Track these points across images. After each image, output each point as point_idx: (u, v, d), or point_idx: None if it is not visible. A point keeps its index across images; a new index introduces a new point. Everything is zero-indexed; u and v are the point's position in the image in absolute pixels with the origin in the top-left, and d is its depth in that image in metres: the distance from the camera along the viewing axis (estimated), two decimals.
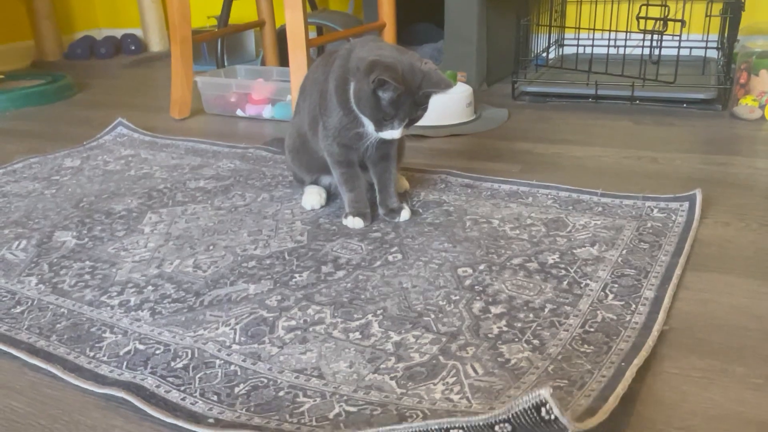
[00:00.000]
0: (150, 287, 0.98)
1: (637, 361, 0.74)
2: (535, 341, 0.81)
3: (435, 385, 0.72)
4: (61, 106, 2.30)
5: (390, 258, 1.04)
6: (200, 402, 0.72)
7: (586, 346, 0.79)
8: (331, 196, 1.30)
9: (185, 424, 0.68)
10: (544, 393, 0.56)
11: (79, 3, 3.45)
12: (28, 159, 1.63)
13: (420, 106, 1.07)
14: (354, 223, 1.16)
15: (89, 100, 2.39)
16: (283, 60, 2.48)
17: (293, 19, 1.73)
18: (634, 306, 0.88)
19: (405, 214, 1.18)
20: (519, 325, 0.85)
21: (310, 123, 1.20)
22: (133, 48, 3.23)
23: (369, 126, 1.09)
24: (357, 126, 1.10)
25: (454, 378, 0.73)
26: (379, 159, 1.18)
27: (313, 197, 1.26)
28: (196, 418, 0.69)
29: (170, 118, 2.03)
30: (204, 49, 2.87)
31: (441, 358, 0.78)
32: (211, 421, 0.69)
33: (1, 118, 2.15)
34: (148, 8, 3.23)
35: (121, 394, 0.73)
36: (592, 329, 0.83)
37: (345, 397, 0.71)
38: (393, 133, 1.07)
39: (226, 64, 2.54)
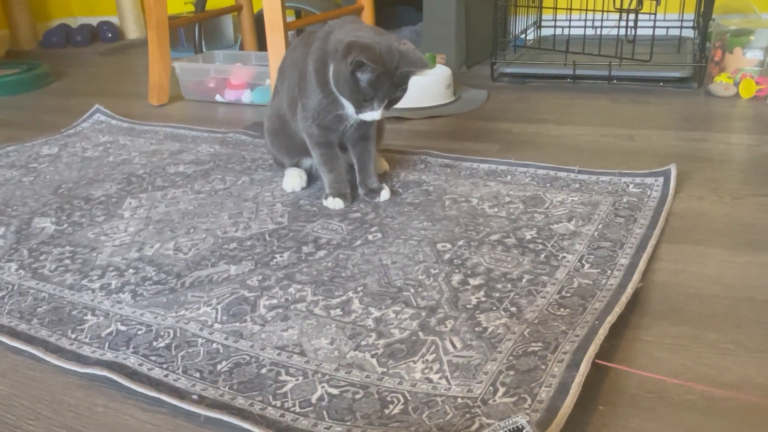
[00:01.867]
0: (131, 270, 0.98)
1: (610, 318, 0.76)
2: (513, 308, 0.83)
3: (415, 363, 0.73)
4: (38, 95, 2.28)
5: (370, 237, 1.05)
6: (183, 379, 0.73)
7: (562, 309, 0.82)
8: (312, 178, 1.30)
9: (168, 399, 0.69)
10: (521, 420, 0.58)
11: None
12: (5, 147, 1.61)
13: (399, 86, 1.06)
14: (334, 203, 1.16)
15: (66, 89, 2.36)
16: (262, 44, 2.47)
17: (271, 3, 1.72)
18: (609, 272, 0.90)
19: (385, 194, 1.19)
20: (497, 295, 0.86)
21: (290, 104, 1.19)
22: (109, 35, 3.20)
23: (349, 108, 1.09)
24: (337, 108, 1.10)
25: (434, 355, 0.74)
26: (359, 139, 1.18)
27: (293, 180, 1.26)
28: (180, 394, 0.70)
29: (149, 105, 2.01)
30: (182, 35, 2.84)
31: (420, 333, 0.79)
32: (195, 397, 0.69)
33: None
34: None
35: (104, 372, 0.74)
36: (568, 294, 0.85)
37: (327, 377, 0.72)
38: (373, 115, 1.07)
39: (204, 49, 2.52)
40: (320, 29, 1.14)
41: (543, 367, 0.70)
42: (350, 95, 1.05)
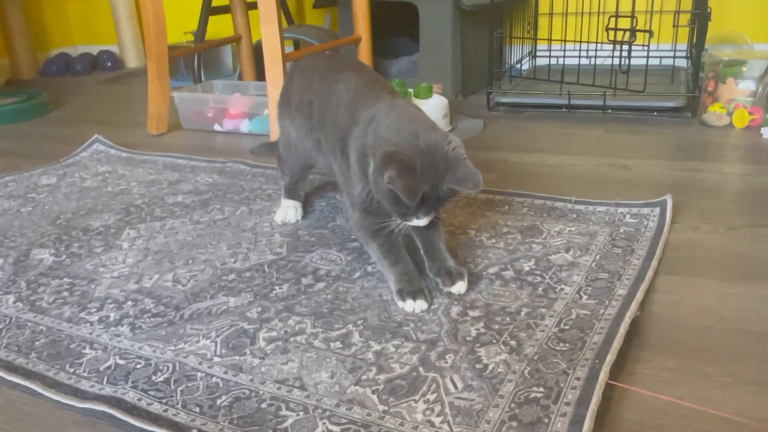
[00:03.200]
0: (129, 302, 0.98)
1: (610, 357, 0.76)
2: (512, 342, 0.83)
3: (416, 402, 0.73)
4: (37, 124, 2.29)
5: (369, 269, 1.05)
6: (182, 413, 0.73)
7: (561, 344, 0.82)
8: (308, 209, 1.31)
9: None
10: None
11: (54, 20, 3.44)
12: (4, 177, 1.62)
13: (445, 199, 0.91)
14: (416, 306, 0.92)
15: (65, 117, 2.38)
16: (260, 74, 2.50)
17: (269, 33, 1.74)
18: (607, 302, 0.91)
19: (458, 287, 0.96)
20: (496, 327, 0.86)
21: (342, 182, 1.07)
22: (109, 65, 3.23)
23: None
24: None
25: (435, 394, 0.74)
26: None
27: (288, 212, 1.26)
28: (179, 428, 0.70)
29: (147, 134, 2.03)
30: (181, 65, 2.87)
31: (421, 369, 0.79)
32: (194, 431, 0.69)
33: None
34: (125, 25, 3.22)
35: (103, 407, 0.73)
36: (566, 327, 0.86)
37: (328, 413, 0.72)
38: (419, 222, 0.92)
39: (203, 78, 2.55)
40: (365, 97, 1.01)
41: (546, 420, 0.69)
42: (390, 207, 0.92)
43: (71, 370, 0.82)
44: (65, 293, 1.02)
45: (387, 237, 0.98)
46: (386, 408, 0.72)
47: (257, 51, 2.43)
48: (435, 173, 0.88)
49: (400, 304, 0.93)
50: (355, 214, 1.00)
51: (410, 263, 0.98)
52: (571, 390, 0.73)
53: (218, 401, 0.75)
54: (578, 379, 0.74)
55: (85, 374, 0.81)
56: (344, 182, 1.04)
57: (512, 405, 0.71)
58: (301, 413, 0.72)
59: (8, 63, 3.15)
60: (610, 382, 0.73)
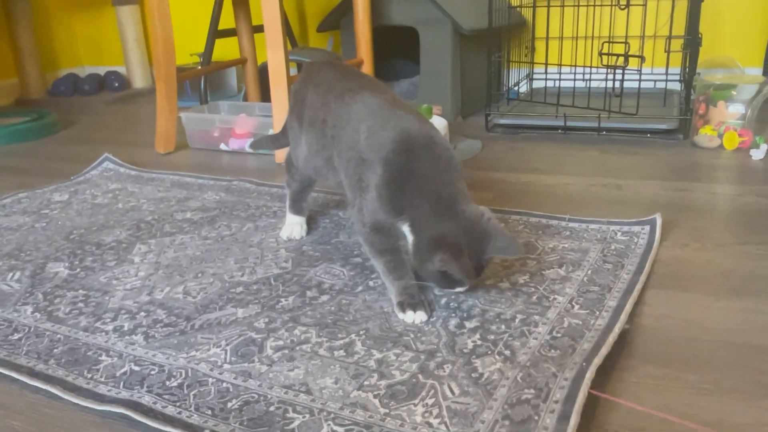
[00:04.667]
0: (142, 313, 1.03)
1: (597, 360, 0.81)
2: (507, 351, 0.87)
3: (415, 406, 0.77)
4: (47, 143, 2.35)
5: (371, 284, 1.10)
6: (195, 416, 0.77)
7: (553, 350, 0.87)
8: (312, 226, 1.36)
9: None
10: None
11: (63, 41, 3.52)
12: (17, 194, 1.67)
13: (481, 270, 0.97)
14: (416, 317, 0.97)
15: (74, 137, 2.44)
16: (265, 95, 2.56)
17: (275, 57, 1.81)
18: (598, 312, 0.96)
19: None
20: (492, 337, 0.91)
21: (351, 194, 1.08)
22: (116, 85, 3.30)
23: None
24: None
25: (433, 399, 0.78)
26: None
27: (293, 229, 1.31)
28: (193, 429, 0.74)
29: (155, 153, 2.09)
30: (187, 86, 2.94)
31: (420, 376, 0.83)
32: (207, 431, 0.74)
33: None
34: (132, 46, 3.30)
35: (120, 409, 0.78)
36: (558, 334, 0.91)
37: (332, 415, 0.76)
38: (459, 290, 1.00)
39: (209, 100, 2.61)
40: (388, 118, 1.02)
41: (536, 417, 0.73)
42: (434, 282, 0.97)
43: (89, 375, 0.87)
44: (81, 304, 1.07)
45: (393, 254, 1.03)
46: (387, 411, 0.77)
47: (262, 72, 2.50)
48: (478, 247, 0.94)
49: (401, 315, 0.98)
50: (365, 230, 1.02)
51: (413, 278, 1.02)
52: (559, 389, 0.77)
53: (229, 404, 0.79)
54: (566, 379, 0.79)
55: (102, 379, 0.86)
56: (353, 194, 1.06)
57: (505, 406, 0.76)
58: (307, 415, 0.77)
59: (18, 83, 3.22)
60: (591, 391, 0.76)
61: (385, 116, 1.03)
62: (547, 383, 0.79)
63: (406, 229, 0.97)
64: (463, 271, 0.91)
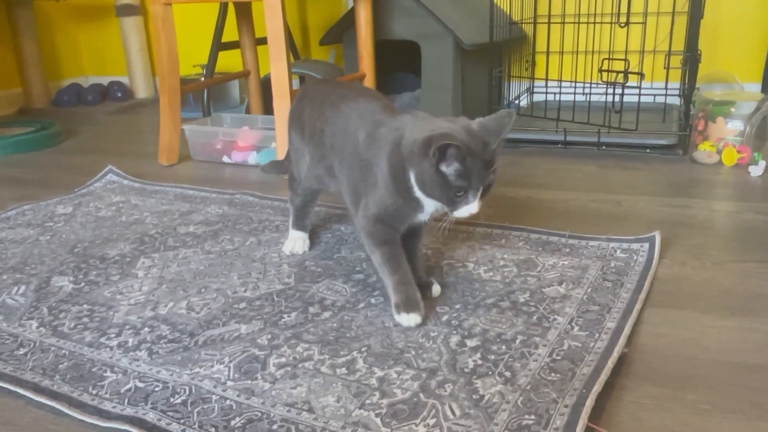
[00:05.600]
0: (146, 329, 1.04)
1: (597, 387, 0.82)
2: (507, 373, 0.88)
3: (417, 426, 0.78)
4: (50, 153, 2.37)
5: (372, 300, 1.11)
6: None
7: (553, 374, 0.87)
8: (314, 241, 1.37)
9: None
10: None
11: (67, 51, 3.55)
12: (22, 206, 1.68)
13: (490, 167, 0.96)
14: (410, 320, 1.01)
15: (78, 147, 2.45)
16: (268, 107, 2.58)
17: (278, 70, 1.83)
18: (597, 335, 0.97)
19: (436, 289, 1.11)
20: (492, 357, 0.92)
21: (353, 198, 1.10)
22: (119, 95, 3.32)
23: (429, 208, 1.03)
24: (416, 210, 1.03)
25: (434, 419, 0.79)
26: (410, 234, 1.11)
27: (295, 243, 1.32)
28: None
29: (158, 165, 2.10)
30: (190, 97, 2.96)
31: (422, 395, 0.84)
32: None
33: None
34: (135, 57, 3.33)
35: (125, 426, 0.79)
36: (558, 357, 0.91)
37: None
38: (470, 209, 0.97)
39: (211, 111, 2.63)
40: (386, 121, 1.06)
41: None
42: (441, 193, 0.96)
43: (94, 392, 0.88)
44: (85, 319, 1.08)
45: (391, 246, 1.05)
46: (389, 430, 0.78)
47: (265, 85, 2.52)
48: (473, 140, 0.94)
49: (397, 318, 1.02)
50: (368, 222, 1.05)
51: (408, 272, 1.05)
52: (559, 416, 0.78)
53: (232, 422, 0.80)
54: (566, 406, 0.80)
55: (107, 396, 0.87)
56: (355, 196, 1.09)
57: (505, 431, 0.77)
58: None
59: (21, 92, 3.24)
60: (590, 425, 0.77)
61: (382, 119, 1.06)
62: (547, 409, 0.80)
63: (412, 177, 0.99)
64: (463, 144, 0.91)
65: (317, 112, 1.18)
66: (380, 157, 1.02)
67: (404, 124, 1.03)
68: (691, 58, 2.00)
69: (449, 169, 0.94)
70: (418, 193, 1.00)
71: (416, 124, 1.01)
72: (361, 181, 1.06)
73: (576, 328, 0.99)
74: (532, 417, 0.79)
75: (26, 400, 0.88)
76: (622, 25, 1.91)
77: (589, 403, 0.79)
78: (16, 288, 1.21)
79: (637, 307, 1.04)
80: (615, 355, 0.90)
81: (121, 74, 3.48)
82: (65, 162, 2.23)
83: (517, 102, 2.45)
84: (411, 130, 1.00)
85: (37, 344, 1.01)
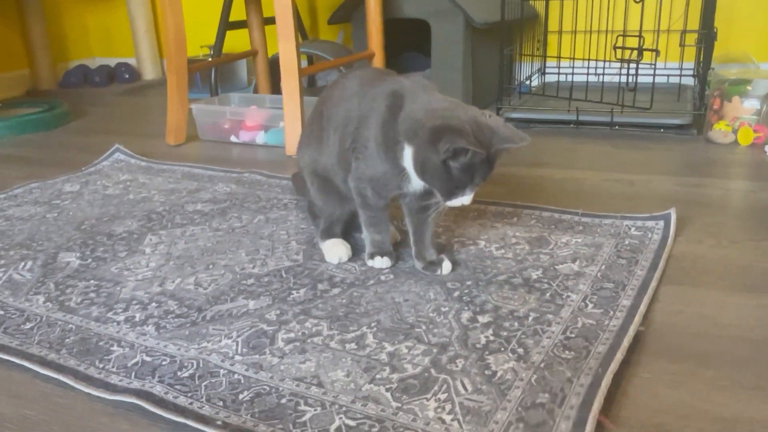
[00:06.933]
0: (154, 304, 1.03)
1: (613, 367, 0.79)
2: (520, 350, 0.86)
3: (428, 401, 0.77)
4: (58, 133, 2.36)
5: (382, 278, 1.09)
6: (207, 407, 0.77)
7: (567, 351, 0.85)
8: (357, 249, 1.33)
9: (194, 424, 0.73)
10: None
11: (74, 33, 3.53)
12: (29, 184, 1.67)
13: (493, 165, 0.96)
14: (381, 263, 1.10)
15: (85, 127, 2.44)
16: (275, 87, 2.56)
17: (286, 49, 1.80)
18: (612, 312, 0.94)
19: (446, 266, 1.08)
20: (505, 334, 0.90)
21: (339, 160, 1.09)
22: (126, 76, 3.30)
23: (415, 182, 1.01)
24: (402, 181, 1.02)
25: (446, 394, 0.78)
26: (419, 209, 1.09)
27: (339, 249, 1.16)
28: (205, 420, 0.74)
29: (166, 144, 2.09)
30: (197, 77, 2.94)
31: (432, 370, 0.82)
32: (219, 423, 0.73)
33: (0, 145, 2.20)
34: (142, 38, 3.31)
35: (132, 399, 0.78)
36: (572, 335, 0.89)
37: (344, 408, 0.76)
38: (463, 200, 0.97)
39: (219, 92, 2.61)
40: (381, 84, 1.04)
41: (551, 422, 0.72)
42: (441, 185, 0.95)
43: (101, 365, 0.87)
44: (92, 294, 1.07)
45: (380, 210, 1.10)
46: (399, 405, 0.76)
47: (272, 64, 2.50)
48: (484, 140, 0.93)
49: (369, 262, 1.12)
50: (361, 184, 1.06)
51: (388, 235, 1.13)
52: (575, 395, 0.76)
53: (240, 396, 0.79)
54: (582, 385, 0.77)
55: (114, 369, 0.86)
56: (345, 161, 1.08)
57: (519, 409, 0.75)
58: (319, 408, 0.76)
59: (29, 74, 3.23)
60: (601, 418, 0.73)
61: (376, 81, 1.06)
62: (562, 388, 0.78)
63: (405, 152, 0.98)
64: (471, 145, 0.89)
65: (316, 112, 1.16)
66: (373, 119, 1.01)
67: (404, 91, 1.00)
68: (707, 36, 1.96)
69: (455, 163, 0.93)
70: (406, 163, 0.99)
71: (417, 95, 0.99)
72: (355, 143, 1.04)
73: (590, 306, 0.97)
74: (546, 395, 0.77)
75: (33, 374, 0.87)
76: (637, 0, 1.87)
77: (605, 383, 0.77)
78: (23, 263, 1.20)
79: (653, 284, 1.02)
80: (630, 333, 0.88)
81: (128, 56, 3.46)
82: (73, 142, 2.22)
83: (528, 82, 2.42)
84: (411, 101, 0.98)
85: (44, 319, 1.00)
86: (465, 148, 0.90)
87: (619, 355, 0.82)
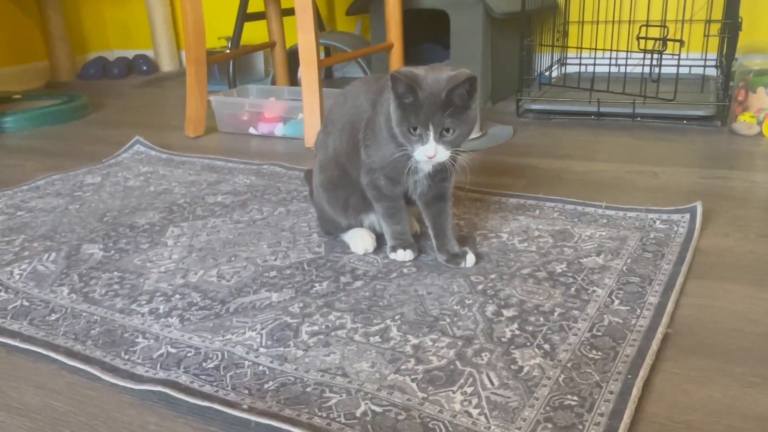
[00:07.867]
0: (177, 296, 1.03)
1: (643, 373, 0.78)
2: (546, 346, 0.85)
3: (454, 393, 0.76)
4: (77, 125, 2.37)
5: (405, 270, 1.09)
6: (232, 394, 0.77)
7: (594, 351, 0.84)
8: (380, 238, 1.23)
9: (220, 407, 0.74)
10: None
11: (92, 25, 3.54)
12: (50, 176, 1.69)
13: (446, 109, 0.95)
14: (404, 256, 1.11)
15: (104, 119, 2.45)
16: (293, 79, 2.56)
17: (306, 40, 1.80)
18: (639, 311, 0.93)
19: (470, 259, 1.08)
20: (530, 328, 0.89)
21: (349, 154, 1.12)
22: (144, 68, 3.31)
23: (421, 160, 1.01)
24: (408, 159, 1.03)
25: (472, 387, 0.77)
26: (434, 199, 1.10)
27: (364, 240, 1.16)
28: (231, 404, 0.75)
29: (185, 136, 2.09)
30: (215, 69, 2.94)
31: (458, 363, 0.82)
32: (245, 407, 0.74)
33: (20, 137, 2.22)
34: (160, 30, 3.31)
35: (158, 387, 0.78)
36: (599, 333, 0.88)
37: (369, 395, 0.76)
38: (426, 150, 0.97)
39: (236, 84, 2.61)
40: (383, 79, 1.09)
41: (580, 427, 0.71)
42: (400, 129, 0.99)
43: (126, 356, 0.87)
44: (116, 286, 1.08)
45: (395, 200, 1.11)
46: (425, 395, 0.76)
47: (290, 56, 2.49)
48: (435, 82, 0.96)
49: (392, 255, 1.12)
50: (372, 176, 1.09)
51: (407, 225, 1.14)
52: (604, 402, 0.74)
53: (266, 386, 0.79)
54: (611, 393, 0.76)
55: (140, 361, 0.86)
56: (355, 152, 1.11)
57: (547, 408, 0.74)
58: (344, 395, 0.76)
59: (48, 66, 3.25)
60: None
61: (379, 79, 1.12)
62: (591, 393, 0.76)
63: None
64: (406, 75, 0.95)
65: (324, 132, 1.20)
66: (380, 105, 1.06)
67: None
68: (731, 25, 1.92)
69: (406, 101, 0.96)
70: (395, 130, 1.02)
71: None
72: (364, 137, 1.08)
73: (616, 302, 0.95)
74: (575, 398, 0.75)
75: (59, 365, 0.88)
76: None
77: (636, 392, 0.75)
78: (47, 255, 1.21)
79: (680, 279, 1.01)
80: (659, 336, 0.86)
81: (146, 47, 3.46)
82: (92, 134, 2.23)
83: (548, 73, 2.39)
84: None
85: (69, 310, 1.01)
86: (400, 78, 0.95)
87: (648, 360, 0.81)
